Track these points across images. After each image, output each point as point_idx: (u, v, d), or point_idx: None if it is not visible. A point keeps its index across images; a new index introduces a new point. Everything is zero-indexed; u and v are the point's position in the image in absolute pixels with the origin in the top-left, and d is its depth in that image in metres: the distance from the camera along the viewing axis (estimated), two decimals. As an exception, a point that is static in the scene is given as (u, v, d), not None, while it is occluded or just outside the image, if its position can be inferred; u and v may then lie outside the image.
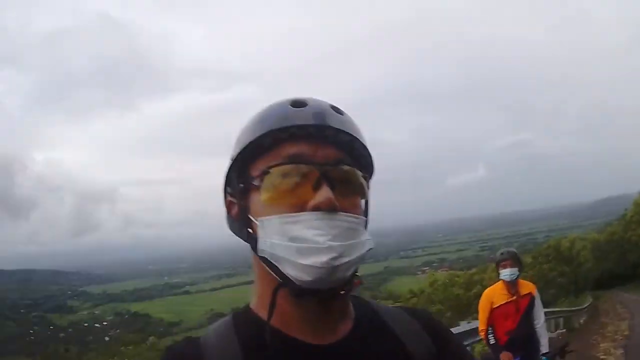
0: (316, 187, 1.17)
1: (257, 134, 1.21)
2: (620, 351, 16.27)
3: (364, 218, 1.28)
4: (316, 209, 1.15)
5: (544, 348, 6.79)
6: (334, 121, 1.23)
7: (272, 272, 1.19)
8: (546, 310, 25.25)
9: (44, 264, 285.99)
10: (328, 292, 1.18)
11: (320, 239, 1.13)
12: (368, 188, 1.32)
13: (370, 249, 1.23)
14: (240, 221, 1.26)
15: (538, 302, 7.00)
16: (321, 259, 1.12)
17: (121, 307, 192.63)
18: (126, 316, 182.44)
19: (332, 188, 1.17)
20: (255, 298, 1.31)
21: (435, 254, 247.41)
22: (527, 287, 7.12)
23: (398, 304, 1.81)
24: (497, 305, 6.88)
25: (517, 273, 6.89)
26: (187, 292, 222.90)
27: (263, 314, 1.23)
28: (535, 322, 6.89)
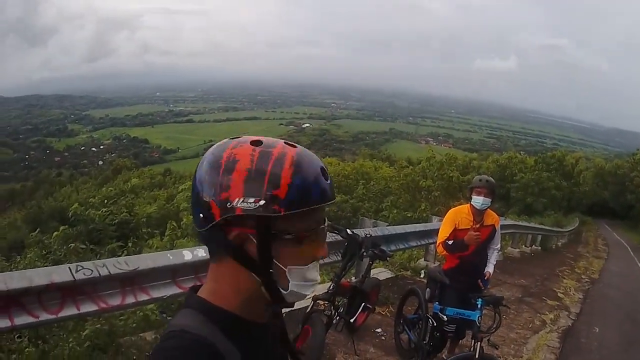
0: (323, 242, 1.54)
1: (310, 205, 1.43)
2: (580, 295, 15.59)
3: None
4: (321, 258, 1.55)
5: (484, 275, 7.03)
6: (333, 191, 1.52)
7: (268, 296, 1.50)
8: (528, 225, 24.56)
9: (53, 89, 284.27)
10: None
11: (317, 277, 1.53)
12: None
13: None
14: (261, 259, 1.46)
15: (498, 235, 7.19)
16: (312, 289, 1.53)
17: (121, 132, 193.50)
18: (124, 140, 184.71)
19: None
20: (229, 296, 1.51)
21: (443, 127, 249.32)
22: (492, 218, 7.09)
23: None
24: (460, 228, 6.86)
25: (489, 204, 6.80)
26: (190, 121, 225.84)
27: (231, 307, 1.49)
28: (492, 247, 7.16)
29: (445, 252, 6.94)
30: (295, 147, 1.47)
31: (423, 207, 29.66)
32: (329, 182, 1.47)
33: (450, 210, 7.24)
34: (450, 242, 6.82)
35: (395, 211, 31.29)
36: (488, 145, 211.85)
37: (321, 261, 1.64)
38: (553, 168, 64.72)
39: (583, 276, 19.77)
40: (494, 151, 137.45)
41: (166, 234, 19.28)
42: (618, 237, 52.47)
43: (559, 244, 31.98)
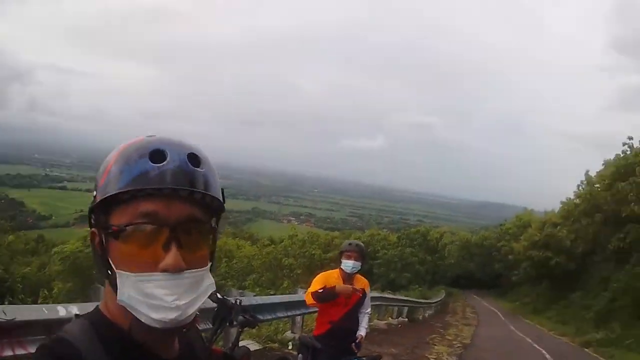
0: (166, 248, 1.27)
1: (116, 190, 1.28)
2: (453, 359, 16.01)
3: (209, 264, 1.39)
4: (164, 270, 1.26)
5: (357, 338, 6.83)
6: (189, 179, 1.30)
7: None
8: (395, 297, 25.11)
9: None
10: (173, 330, 1.31)
11: (168, 299, 1.25)
12: (217, 226, 1.43)
13: (212, 292, 1.38)
14: (101, 258, 1.33)
15: (368, 299, 7.09)
16: (169, 316, 1.25)
17: (1, 192, 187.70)
18: (2, 201, 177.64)
19: (182, 246, 1.28)
20: (110, 306, 1.37)
21: (305, 207, 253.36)
22: (361, 282, 7.02)
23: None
24: None
25: (359, 268, 6.77)
26: (64, 188, 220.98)
27: (121, 322, 1.33)
28: (363, 311, 7.01)
29: (313, 301, 6.74)
30: (153, 135, 1.36)
31: (285, 285, 29.79)
32: (163, 166, 1.28)
33: (319, 275, 7.09)
34: (320, 290, 6.59)
35: (257, 289, 31.21)
36: (350, 223, 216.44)
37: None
38: (417, 243, 66.29)
39: (454, 342, 20.27)
40: (356, 229, 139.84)
41: (39, 302, 18.83)
42: (488, 305, 54.43)
43: (426, 315, 32.54)
